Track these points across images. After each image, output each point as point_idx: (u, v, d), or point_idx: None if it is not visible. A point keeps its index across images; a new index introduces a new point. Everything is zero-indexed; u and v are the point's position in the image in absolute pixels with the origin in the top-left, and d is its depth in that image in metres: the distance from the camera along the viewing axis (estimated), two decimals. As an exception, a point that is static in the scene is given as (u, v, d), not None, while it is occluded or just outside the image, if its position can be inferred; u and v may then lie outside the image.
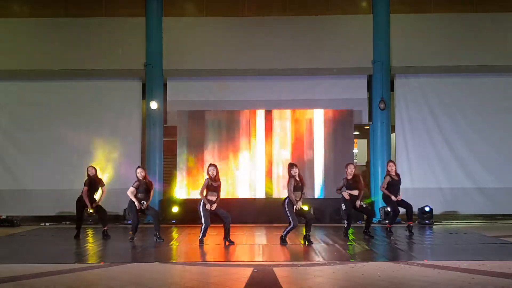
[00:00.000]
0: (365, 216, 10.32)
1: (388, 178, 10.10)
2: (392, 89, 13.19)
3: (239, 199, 12.61)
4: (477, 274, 6.13)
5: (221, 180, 9.03)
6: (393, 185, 10.05)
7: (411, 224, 10.23)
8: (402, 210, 10.24)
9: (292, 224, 8.70)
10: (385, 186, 10.07)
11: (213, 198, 8.81)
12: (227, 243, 8.82)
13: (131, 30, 13.25)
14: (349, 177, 9.63)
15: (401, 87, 13.16)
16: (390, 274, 6.17)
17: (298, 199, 8.72)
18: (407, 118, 13.05)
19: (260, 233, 10.49)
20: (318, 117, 12.93)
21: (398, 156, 13.01)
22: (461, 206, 12.86)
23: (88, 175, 9.83)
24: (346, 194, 9.61)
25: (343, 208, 9.74)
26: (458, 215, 12.88)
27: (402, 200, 10.11)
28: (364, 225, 10.44)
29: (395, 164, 10.28)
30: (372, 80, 13.13)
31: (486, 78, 13.02)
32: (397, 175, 10.17)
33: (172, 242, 9.33)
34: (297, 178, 8.78)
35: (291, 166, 8.87)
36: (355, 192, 9.58)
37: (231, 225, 8.99)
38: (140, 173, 9.29)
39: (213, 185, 8.80)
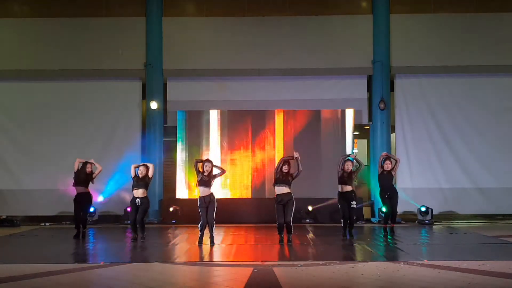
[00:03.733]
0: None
1: (380, 170, 9.98)
2: (392, 89, 13.20)
3: (238, 199, 12.61)
4: (477, 274, 6.12)
5: (213, 177, 8.86)
6: (383, 179, 9.97)
7: (393, 226, 10.08)
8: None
9: (277, 221, 8.88)
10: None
11: (201, 193, 8.78)
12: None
13: (131, 30, 13.26)
14: (347, 171, 9.49)
15: (401, 87, 13.16)
16: (390, 274, 6.17)
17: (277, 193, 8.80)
18: (407, 118, 13.05)
19: (260, 233, 10.48)
20: (317, 117, 12.93)
21: (398, 156, 12.95)
22: (461, 206, 12.86)
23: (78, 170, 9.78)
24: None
25: (339, 207, 9.63)
26: (458, 215, 12.88)
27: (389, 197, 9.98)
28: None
29: (391, 162, 10.10)
30: (372, 80, 13.13)
31: (486, 78, 13.03)
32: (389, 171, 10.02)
33: (172, 242, 9.33)
34: (281, 173, 8.81)
35: (284, 163, 8.91)
36: (348, 188, 9.46)
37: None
38: (142, 171, 9.26)
39: (203, 179, 8.74)
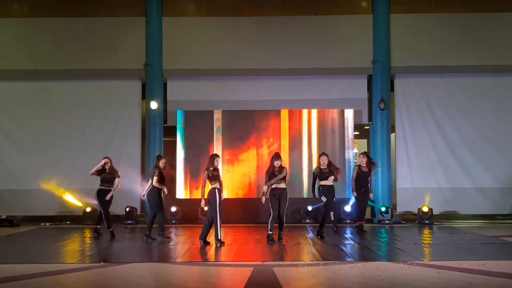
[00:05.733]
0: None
1: (356, 169, 10.52)
2: (392, 89, 13.19)
3: (239, 199, 12.59)
4: (477, 274, 6.13)
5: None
6: (360, 176, 10.41)
7: (362, 224, 10.39)
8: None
9: (271, 215, 8.98)
10: (354, 177, 10.49)
11: (217, 186, 8.82)
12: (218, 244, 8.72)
13: (131, 30, 13.25)
14: (323, 167, 9.65)
15: (401, 87, 13.16)
16: (390, 274, 6.18)
17: (273, 187, 9.02)
18: (407, 118, 13.05)
19: (260, 233, 10.47)
20: (317, 117, 12.91)
21: (398, 156, 13.01)
22: (461, 206, 12.86)
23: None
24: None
25: (324, 200, 9.57)
26: (458, 215, 12.88)
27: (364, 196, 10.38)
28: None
29: (366, 157, 10.58)
30: (372, 80, 13.13)
31: (486, 78, 13.02)
32: (368, 166, 10.43)
33: (172, 242, 9.33)
34: (273, 169, 9.04)
35: (276, 157, 9.17)
36: (328, 182, 9.60)
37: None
38: (162, 164, 9.44)
39: (214, 174, 8.82)
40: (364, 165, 10.43)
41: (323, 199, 9.54)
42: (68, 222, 12.53)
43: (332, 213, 9.59)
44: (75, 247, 8.93)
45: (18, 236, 10.33)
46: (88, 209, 12.40)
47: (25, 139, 13.06)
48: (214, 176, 8.75)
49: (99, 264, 7.08)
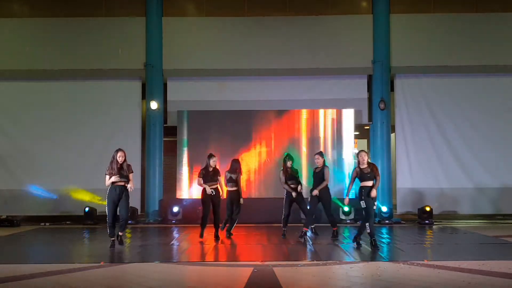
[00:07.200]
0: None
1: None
2: (392, 89, 13.20)
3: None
4: (477, 274, 6.13)
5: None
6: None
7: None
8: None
9: (283, 213, 9.56)
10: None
11: (233, 189, 9.77)
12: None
13: (131, 30, 13.25)
14: (362, 166, 8.26)
15: (401, 87, 13.16)
16: (390, 274, 6.18)
17: (293, 187, 9.37)
18: (407, 118, 13.05)
19: (260, 233, 10.49)
20: (318, 117, 12.91)
21: (398, 156, 13.01)
22: (461, 206, 12.86)
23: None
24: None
25: (363, 206, 8.21)
26: (458, 215, 12.88)
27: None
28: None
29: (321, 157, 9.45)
30: (372, 80, 13.13)
31: (486, 78, 13.03)
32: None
33: (172, 242, 9.33)
34: (288, 169, 9.47)
35: (288, 158, 9.57)
36: (370, 183, 8.21)
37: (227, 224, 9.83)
38: (213, 162, 9.32)
39: (232, 177, 9.71)
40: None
41: (363, 204, 8.21)
42: (68, 222, 12.53)
43: (367, 224, 8.22)
44: (75, 247, 8.92)
45: (18, 236, 10.32)
46: (87, 209, 12.37)
47: (25, 139, 13.06)
48: (230, 179, 9.62)
49: (99, 264, 7.08)
